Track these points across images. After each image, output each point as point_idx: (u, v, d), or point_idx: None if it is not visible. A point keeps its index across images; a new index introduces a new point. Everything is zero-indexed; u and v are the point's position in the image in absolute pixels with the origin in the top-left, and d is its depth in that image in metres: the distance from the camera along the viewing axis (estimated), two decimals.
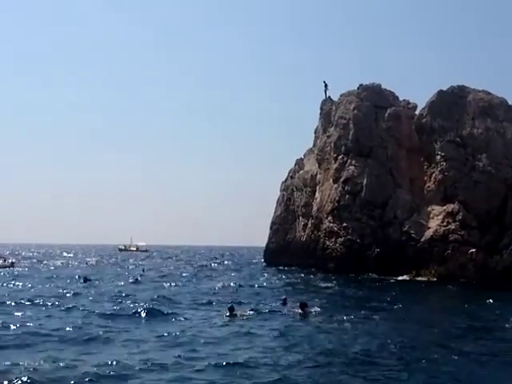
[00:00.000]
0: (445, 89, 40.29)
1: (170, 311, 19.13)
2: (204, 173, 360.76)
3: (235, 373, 10.58)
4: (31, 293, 25.31)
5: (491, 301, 22.67)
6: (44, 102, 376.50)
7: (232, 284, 30.87)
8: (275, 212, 56.28)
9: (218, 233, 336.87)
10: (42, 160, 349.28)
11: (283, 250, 51.29)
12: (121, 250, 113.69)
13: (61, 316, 17.80)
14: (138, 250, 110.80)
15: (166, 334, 14.55)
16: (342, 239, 39.24)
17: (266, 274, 41.62)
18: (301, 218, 48.45)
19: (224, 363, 11.25)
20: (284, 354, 12.28)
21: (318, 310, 19.57)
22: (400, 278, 34.79)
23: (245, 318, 17.83)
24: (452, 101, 39.58)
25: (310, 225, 45.07)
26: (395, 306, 21.29)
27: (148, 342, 13.47)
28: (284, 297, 22.68)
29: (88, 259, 71.17)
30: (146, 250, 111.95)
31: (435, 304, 24.42)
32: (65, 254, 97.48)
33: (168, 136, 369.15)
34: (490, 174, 36.09)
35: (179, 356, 11.86)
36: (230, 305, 19.15)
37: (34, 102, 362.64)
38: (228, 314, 18.01)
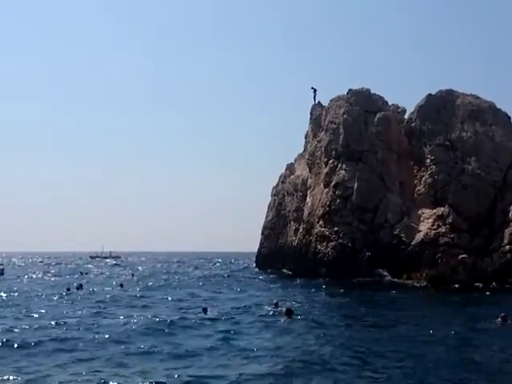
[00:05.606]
0: (433, 93, 40.61)
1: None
2: (190, 178, 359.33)
3: None
4: None
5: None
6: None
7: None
8: (266, 217, 56.32)
9: (206, 239, 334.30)
10: (9, 161, 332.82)
11: (275, 254, 51.30)
12: (92, 257, 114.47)
13: None
14: (110, 256, 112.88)
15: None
16: (334, 243, 39.30)
17: (258, 279, 41.53)
18: (292, 222, 48.47)
19: None
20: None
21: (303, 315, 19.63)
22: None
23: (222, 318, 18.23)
24: (441, 105, 39.89)
25: (301, 229, 45.07)
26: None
27: None
28: (275, 301, 22.64)
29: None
30: (118, 257, 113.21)
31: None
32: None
33: (157, 142, 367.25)
34: (479, 177, 36.36)
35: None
36: (204, 306, 19.68)
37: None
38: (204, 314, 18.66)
